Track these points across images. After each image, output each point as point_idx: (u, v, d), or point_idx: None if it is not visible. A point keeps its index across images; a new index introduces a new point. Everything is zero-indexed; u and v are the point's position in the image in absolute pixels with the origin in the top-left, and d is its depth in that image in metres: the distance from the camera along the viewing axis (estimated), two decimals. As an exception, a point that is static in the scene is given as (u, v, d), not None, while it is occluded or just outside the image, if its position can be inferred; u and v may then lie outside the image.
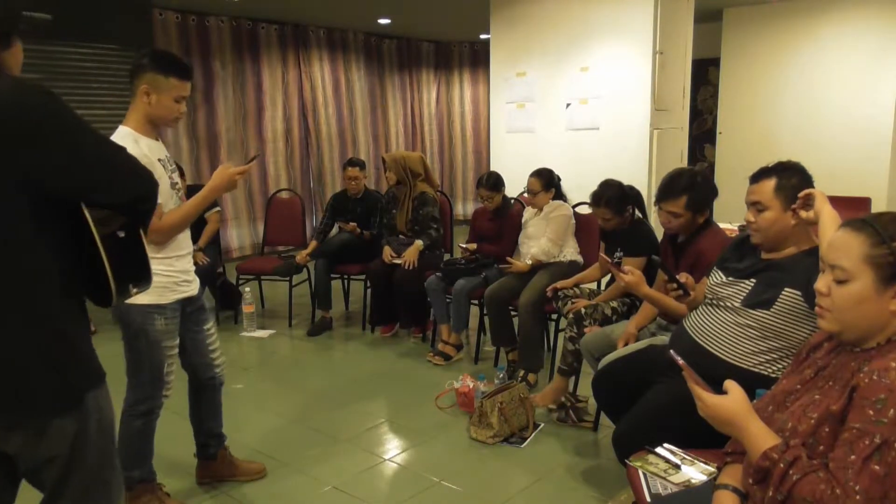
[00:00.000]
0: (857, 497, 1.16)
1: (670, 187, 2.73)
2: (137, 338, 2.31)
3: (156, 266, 2.25)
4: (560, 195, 4.01)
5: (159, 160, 2.27)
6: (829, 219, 1.88)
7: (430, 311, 4.53)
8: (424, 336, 4.59)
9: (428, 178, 4.64)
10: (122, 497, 1.54)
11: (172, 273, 2.32)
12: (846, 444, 1.21)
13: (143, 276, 1.48)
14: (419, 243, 4.42)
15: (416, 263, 4.35)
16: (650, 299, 2.65)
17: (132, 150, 2.15)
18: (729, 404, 1.36)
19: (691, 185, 2.70)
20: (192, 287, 2.43)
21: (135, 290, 1.46)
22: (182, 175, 4.68)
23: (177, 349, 2.42)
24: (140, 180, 1.43)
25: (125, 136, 2.20)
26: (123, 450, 2.42)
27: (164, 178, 2.27)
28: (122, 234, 1.40)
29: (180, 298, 2.37)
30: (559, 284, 3.58)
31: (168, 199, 2.29)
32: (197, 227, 4.79)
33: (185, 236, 2.40)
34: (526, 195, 4.04)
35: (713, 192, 2.80)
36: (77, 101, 5.71)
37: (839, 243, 1.34)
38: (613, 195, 3.31)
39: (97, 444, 1.40)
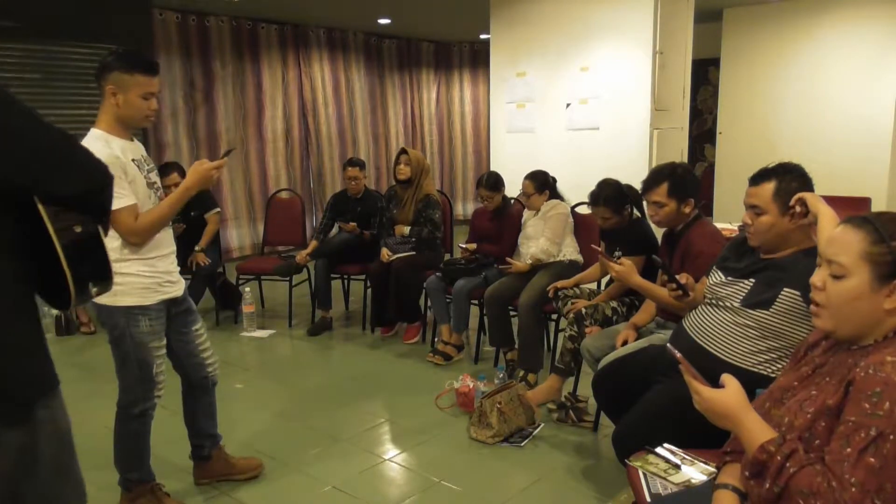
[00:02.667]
0: (853, 489, 1.17)
1: (652, 178, 2.83)
2: (123, 340, 2.29)
3: (136, 267, 2.24)
4: (556, 196, 4.01)
5: (133, 160, 2.24)
6: (826, 218, 1.89)
7: (427, 309, 4.54)
8: (424, 337, 4.58)
9: (430, 183, 4.65)
10: None
11: (154, 274, 2.30)
12: (842, 438, 1.22)
13: (103, 276, 1.41)
14: (404, 229, 4.48)
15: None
16: (642, 289, 2.67)
17: (102, 151, 2.08)
18: (725, 397, 1.37)
19: (672, 173, 2.78)
20: (177, 288, 2.40)
21: (95, 290, 1.39)
22: (183, 175, 4.69)
23: (164, 349, 2.39)
24: (90, 172, 1.36)
25: (96, 138, 2.17)
26: (120, 452, 2.42)
27: (140, 179, 2.24)
28: (78, 230, 1.32)
29: (164, 299, 2.34)
30: (560, 284, 3.58)
31: (145, 200, 2.26)
32: (197, 228, 4.80)
33: (167, 236, 2.37)
34: (521, 197, 4.05)
35: (696, 182, 2.86)
36: (77, 101, 5.72)
37: (839, 239, 1.35)
38: (611, 194, 3.32)
39: (51, 454, 1.33)
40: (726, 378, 1.40)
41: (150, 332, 2.31)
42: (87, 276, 1.36)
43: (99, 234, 1.40)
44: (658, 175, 2.81)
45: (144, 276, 2.27)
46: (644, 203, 2.96)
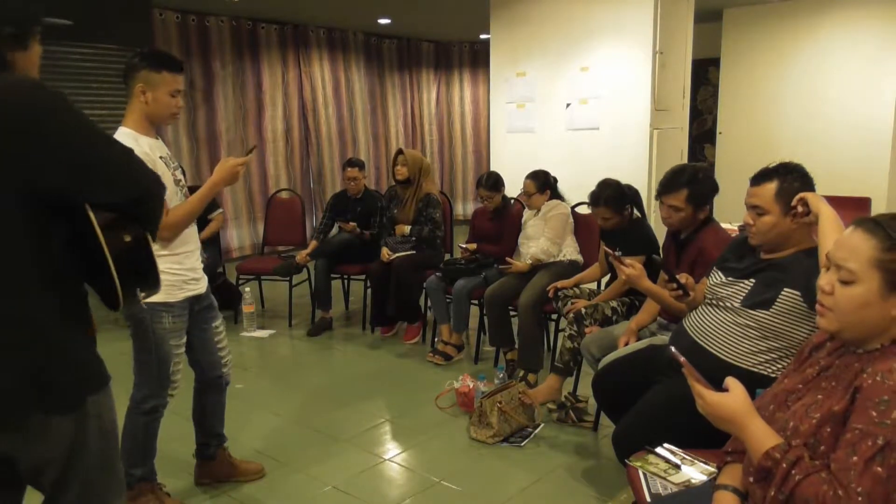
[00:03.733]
0: (860, 499, 1.15)
1: (672, 181, 2.76)
2: (145, 335, 2.32)
3: (165, 264, 2.26)
4: (556, 196, 4.01)
5: (161, 157, 2.29)
6: (827, 219, 1.89)
7: (427, 309, 4.54)
8: (424, 337, 4.59)
9: (431, 182, 4.66)
10: (122, 501, 1.53)
11: (181, 271, 2.34)
12: (848, 446, 1.20)
13: (150, 281, 1.47)
14: (406, 228, 4.49)
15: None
16: (651, 293, 2.65)
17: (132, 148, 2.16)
18: (730, 402, 1.35)
19: (693, 180, 2.72)
20: (200, 285, 2.44)
21: (143, 295, 1.46)
22: (184, 174, 4.70)
23: (184, 348, 2.43)
24: (142, 181, 1.41)
25: (125, 137, 2.22)
26: (126, 447, 2.43)
27: (168, 176, 2.29)
28: (128, 238, 1.38)
29: (188, 296, 2.38)
30: (559, 284, 3.58)
31: (172, 196, 2.30)
32: (200, 229, 4.81)
33: (192, 233, 2.41)
34: (522, 196, 4.05)
35: (714, 189, 2.81)
36: (77, 102, 5.71)
37: (849, 244, 1.31)
38: (612, 195, 3.31)
39: (97, 447, 1.39)
40: (730, 382, 1.38)
41: (172, 329, 2.34)
42: (134, 282, 1.41)
43: (147, 241, 1.44)
44: (678, 180, 2.74)
45: (172, 272, 2.30)
46: (652, 206, 2.93)
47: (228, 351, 2.65)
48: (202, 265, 2.48)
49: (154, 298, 2.25)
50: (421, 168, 4.54)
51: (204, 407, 2.68)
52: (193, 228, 2.42)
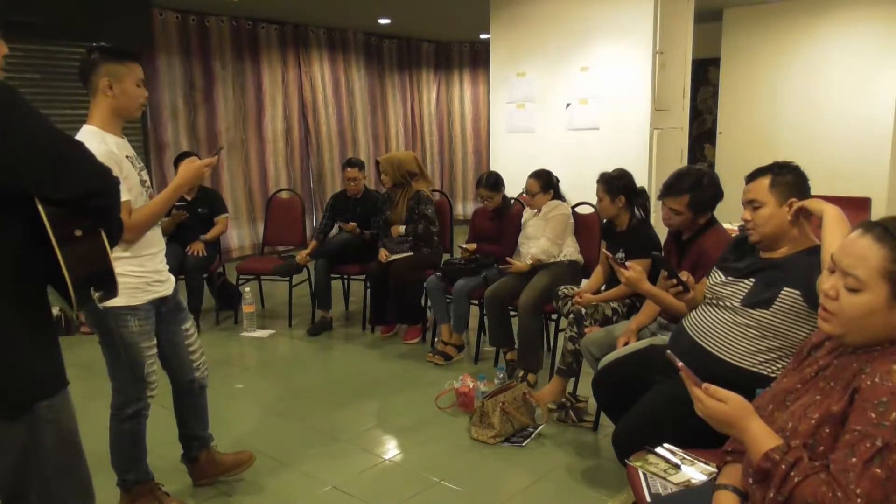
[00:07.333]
0: (858, 500, 1.15)
1: (675, 184, 2.77)
2: (113, 341, 2.28)
3: (126, 266, 2.21)
4: (558, 196, 4.01)
5: (127, 157, 2.25)
6: (832, 217, 1.91)
7: (427, 309, 4.53)
8: (424, 337, 4.58)
9: (423, 176, 4.66)
10: None
11: (143, 273, 2.29)
12: (847, 447, 1.20)
13: (105, 281, 1.40)
14: (400, 228, 4.50)
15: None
16: (651, 296, 2.63)
17: (99, 148, 2.08)
18: (729, 404, 1.35)
19: (696, 186, 2.73)
20: (166, 287, 2.39)
21: (97, 295, 1.39)
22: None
23: (155, 349, 2.38)
24: (93, 176, 1.36)
25: (91, 135, 2.16)
26: (116, 453, 2.41)
27: (133, 176, 2.25)
28: (78, 234, 1.32)
29: (153, 299, 2.33)
30: (584, 300, 3.36)
31: (137, 197, 2.26)
32: (200, 225, 4.81)
33: (156, 235, 2.37)
34: (525, 196, 4.05)
35: (718, 195, 2.80)
36: (77, 102, 5.72)
37: (857, 251, 1.30)
38: (610, 178, 3.37)
39: (55, 454, 1.35)
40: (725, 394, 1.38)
41: (139, 332, 2.29)
42: (86, 280, 1.35)
43: (101, 239, 1.38)
44: (681, 184, 2.74)
45: (134, 275, 2.25)
46: (661, 203, 2.91)
47: (202, 353, 2.59)
48: (167, 266, 2.42)
49: (117, 302, 2.19)
50: (402, 169, 4.55)
51: (182, 411, 2.64)
52: (157, 230, 2.38)
